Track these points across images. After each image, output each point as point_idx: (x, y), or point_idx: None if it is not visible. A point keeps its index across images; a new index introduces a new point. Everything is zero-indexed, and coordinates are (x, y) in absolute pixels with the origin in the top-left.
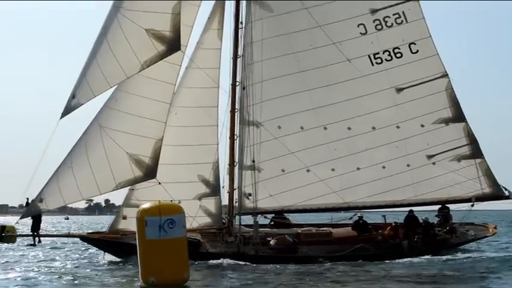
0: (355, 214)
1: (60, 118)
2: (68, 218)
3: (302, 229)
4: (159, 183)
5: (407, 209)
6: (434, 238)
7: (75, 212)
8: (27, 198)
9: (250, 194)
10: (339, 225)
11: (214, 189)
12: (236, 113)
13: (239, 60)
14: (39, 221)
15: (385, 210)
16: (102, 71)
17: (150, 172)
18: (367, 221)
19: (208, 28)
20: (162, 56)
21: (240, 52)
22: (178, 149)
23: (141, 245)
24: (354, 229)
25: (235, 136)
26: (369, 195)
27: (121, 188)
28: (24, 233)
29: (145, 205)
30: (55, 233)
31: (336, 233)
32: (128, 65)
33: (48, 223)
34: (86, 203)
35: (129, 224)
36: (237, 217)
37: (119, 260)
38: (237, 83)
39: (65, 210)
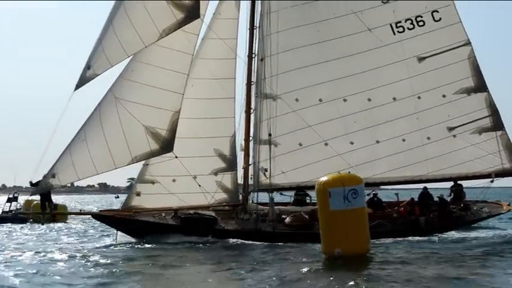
0: (372, 190)
1: (75, 90)
2: (118, 197)
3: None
4: (176, 157)
5: (422, 185)
6: (450, 215)
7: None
8: (31, 181)
9: (266, 170)
10: None
11: (231, 164)
12: (252, 86)
13: (256, 32)
14: (48, 199)
15: (403, 186)
16: (119, 40)
17: (166, 145)
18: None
19: None
20: (180, 24)
21: (256, 23)
22: (194, 122)
23: (324, 217)
24: (369, 207)
25: (251, 110)
26: (388, 169)
27: (137, 161)
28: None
29: (324, 177)
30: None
31: None
32: (146, 34)
33: (96, 202)
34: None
35: (143, 201)
36: (252, 194)
37: (133, 240)
38: (253, 55)
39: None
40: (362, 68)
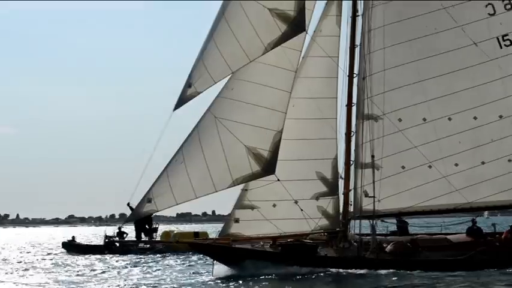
0: (476, 216)
1: (174, 110)
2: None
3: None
4: (278, 180)
5: None
6: None
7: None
8: (128, 203)
9: (366, 195)
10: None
11: (332, 188)
12: (353, 107)
13: (356, 50)
14: (147, 226)
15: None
16: (222, 55)
17: (269, 167)
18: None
19: (326, 14)
20: (286, 38)
21: (357, 41)
22: (295, 143)
23: None
24: (469, 235)
25: (352, 132)
26: (492, 193)
27: (237, 184)
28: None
29: None
30: None
31: (451, 238)
32: (250, 48)
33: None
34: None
35: (242, 228)
36: (352, 221)
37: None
38: (354, 75)
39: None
40: (468, 85)
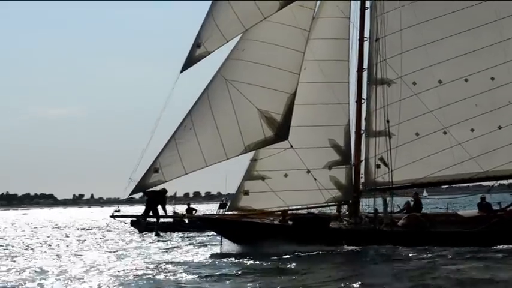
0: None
1: (181, 72)
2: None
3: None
4: (291, 147)
5: None
6: None
7: None
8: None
9: (379, 166)
10: None
11: (345, 157)
12: (363, 73)
13: (367, 12)
14: (160, 202)
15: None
16: (235, 12)
17: (282, 132)
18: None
19: None
20: None
21: (368, 3)
22: (306, 108)
23: None
24: (480, 210)
25: (362, 100)
26: (508, 161)
27: (249, 151)
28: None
29: None
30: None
31: (463, 214)
32: (264, 4)
33: None
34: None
35: (252, 201)
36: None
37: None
38: (365, 38)
39: None
40: (485, 42)
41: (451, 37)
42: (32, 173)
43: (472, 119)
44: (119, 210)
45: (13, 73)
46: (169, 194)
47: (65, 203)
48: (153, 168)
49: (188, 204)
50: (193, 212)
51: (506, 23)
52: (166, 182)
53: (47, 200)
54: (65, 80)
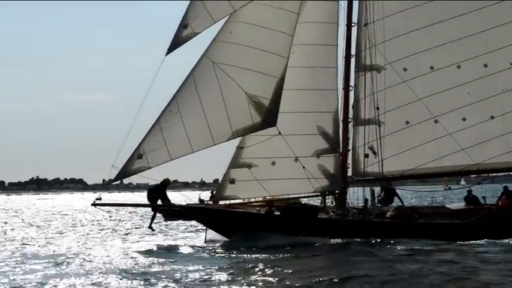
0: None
1: (167, 54)
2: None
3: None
4: (279, 133)
5: None
6: None
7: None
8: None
9: (367, 155)
10: None
11: (334, 145)
12: (352, 59)
13: None
14: (161, 194)
15: None
16: None
17: (270, 118)
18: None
19: None
20: None
21: None
22: (294, 94)
23: None
24: (467, 204)
25: (350, 87)
26: (500, 153)
27: (236, 137)
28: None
29: None
30: None
31: (450, 207)
32: None
33: None
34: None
35: (238, 190)
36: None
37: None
38: (353, 24)
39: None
40: (479, 28)
41: (443, 22)
42: (62, 157)
43: (464, 107)
44: (100, 198)
45: (40, 62)
46: (197, 180)
47: (95, 188)
48: (137, 154)
49: (211, 192)
50: None
51: (499, 7)
52: (150, 168)
53: (76, 185)
54: (92, 68)
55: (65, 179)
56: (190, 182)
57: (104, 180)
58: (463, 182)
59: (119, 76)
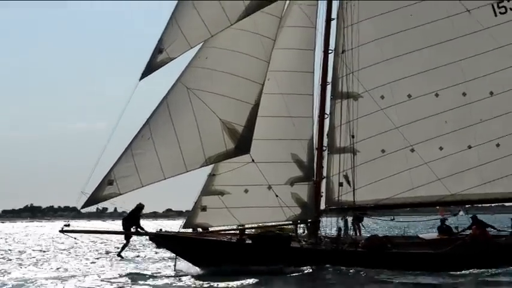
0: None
1: (140, 79)
2: None
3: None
4: (253, 161)
5: None
6: None
7: None
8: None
9: (341, 184)
10: None
11: (307, 173)
12: (328, 86)
13: (333, 23)
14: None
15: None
16: (201, 17)
17: (243, 145)
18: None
19: None
20: (263, 5)
21: (334, 13)
22: (268, 121)
23: None
24: (440, 233)
25: (326, 114)
26: (477, 184)
27: (210, 163)
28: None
29: None
30: None
31: (423, 237)
32: (231, 9)
33: None
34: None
35: (210, 218)
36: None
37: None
38: (330, 51)
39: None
40: (458, 56)
41: (420, 50)
42: (56, 185)
43: (441, 136)
44: (68, 225)
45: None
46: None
47: (89, 216)
48: (107, 181)
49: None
50: None
51: (478, 37)
52: (121, 194)
53: (70, 213)
54: (84, 96)
55: (59, 206)
56: (184, 210)
57: (97, 208)
58: (461, 213)
59: (109, 104)
